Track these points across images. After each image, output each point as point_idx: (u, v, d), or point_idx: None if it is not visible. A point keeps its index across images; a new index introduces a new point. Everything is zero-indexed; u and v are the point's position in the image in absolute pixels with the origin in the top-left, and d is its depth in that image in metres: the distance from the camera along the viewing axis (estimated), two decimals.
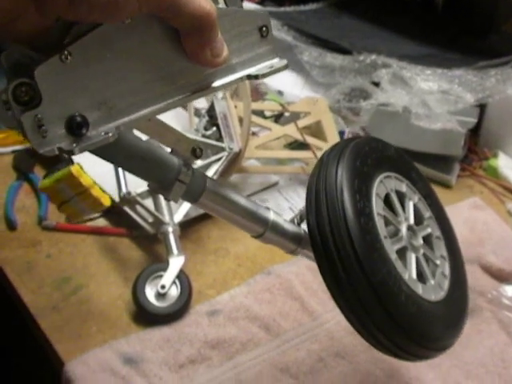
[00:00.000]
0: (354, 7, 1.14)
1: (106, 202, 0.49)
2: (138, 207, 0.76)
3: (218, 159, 0.80)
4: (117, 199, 0.76)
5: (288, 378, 0.64)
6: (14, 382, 0.94)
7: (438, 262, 0.54)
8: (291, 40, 1.07)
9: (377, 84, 0.94)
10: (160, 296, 0.69)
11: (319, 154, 0.87)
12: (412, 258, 0.50)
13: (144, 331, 0.68)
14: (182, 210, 0.77)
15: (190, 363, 0.65)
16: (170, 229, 0.74)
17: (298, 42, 1.06)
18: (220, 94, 0.87)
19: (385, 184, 0.51)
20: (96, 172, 0.80)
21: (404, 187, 0.54)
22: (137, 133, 0.42)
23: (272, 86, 1.05)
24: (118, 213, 0.81)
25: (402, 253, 0.49)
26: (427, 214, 0.55)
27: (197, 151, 0.44)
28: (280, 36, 1.08)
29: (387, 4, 1.13)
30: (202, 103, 0.92)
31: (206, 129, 0.85)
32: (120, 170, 0.77)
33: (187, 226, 0.79)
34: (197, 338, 0.67)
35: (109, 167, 0.77)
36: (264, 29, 0.41)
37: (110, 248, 0.80)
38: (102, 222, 0.83)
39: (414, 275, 0.49)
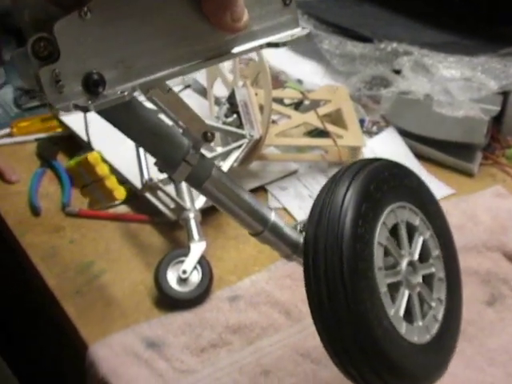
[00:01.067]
0: None
1: (119, 196, 0.49)
2: (160, 193, 0.77)
3: (239, 146, 0.80)
4: (139, 186, 0.77)
5: (309, 362, 0.65)
6: (38, 364, 0.95)
7: (433, 304, 0.51)
8: (311, 29, 1.07)
9: (398, 72, 0.93)
10: (181, 281, 0.70)
11: (339, 141, 0.87)
12: (404, 295, 0.48)
13: (166, 316, 0.69)
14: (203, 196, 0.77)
15: (211, 347, 0.66)
16: (192, 215, 0.75)
17: (319, 31, 1.06)
18: (240, 82, 0.87)
19: (396, 214, 0.49)
20: (118, 159, 0.82)
21: (417, 221, 0.51)
22: (151, 106, 0.42)
23: (292, 74, 1.05)
24: (139, 199, 0.82)
25: (395, 287, 0.48)
26: (436, 252, 0.53)
27: (208, 135, 0.43)
28: (300, 25, 1.08)
29: None
30: (222, 91, 0.93)
31: (226, 116, 0.85)
32: (142, 156, 0.78)
33: (208, 213, 0.79)
34: (218, 323, 0.68)
35: (131, 154, 0.78)
36: None
37: (131, 234, 0.81)
38: (123, 209, 0.84)
39: (401, 313, 0.47)
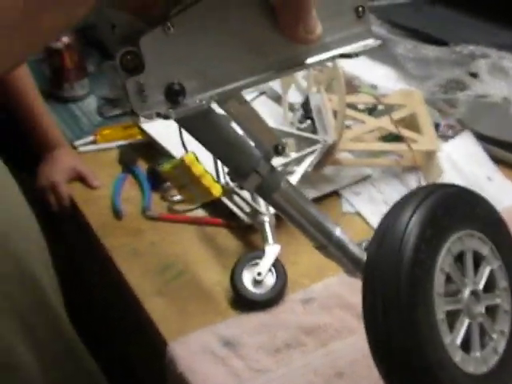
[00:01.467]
0: None
1: (217, 192, 0.52)
2: (236, 198, 0.79)
3: (312, 151, 0.82)
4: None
5: None
6: (119, 361, 0.99)
7: (494, 335, 0.49)
8: (385, 33, 1.07)
9: (475, 75, 0.92)
10: (257, 283, 0.72)
11: (413, 146, 0.87)
12: (463, 324, 0.47)
13: (241, 316, 0.71)
14: None
15: (286, 348, 0.67)
16: (267, 218, 0.76)
17: (392, 35, 1.06)
18: (315, 88, 0.88)
19: (463, 241, 0.48)
20: (207, 162, 0.85)
21: (486, 250, 0.50)
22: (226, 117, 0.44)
23: (366, 79, 1.05)
24: (216, 203, 0.84)
25: (454, 315, 0.47)
26: (504, 284, 0.51)
27: (279, 148, 0.45)
28: (374, 30, 1.08)
29: None
30: (296, 97, 0.94)
31: (300, 122, 0.87)
32: (219, 162, 0.80)
33: (282, 217, 0.81)
34: (292, 324, 0.69)
35: (208, 161, 0.81)
36: (360, 9, 0.41)
37: (208, 237, 0.83)
38: (200, 213, 0.87)
39: (458, 341, 0.46)
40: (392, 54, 1.04)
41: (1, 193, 0.83)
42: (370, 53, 1.16)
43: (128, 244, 0.84)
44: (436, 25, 1.04)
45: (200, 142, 0.43)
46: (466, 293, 0.48)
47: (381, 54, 1.08)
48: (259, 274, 0.72)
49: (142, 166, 0.97)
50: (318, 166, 0.85)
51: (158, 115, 0.37)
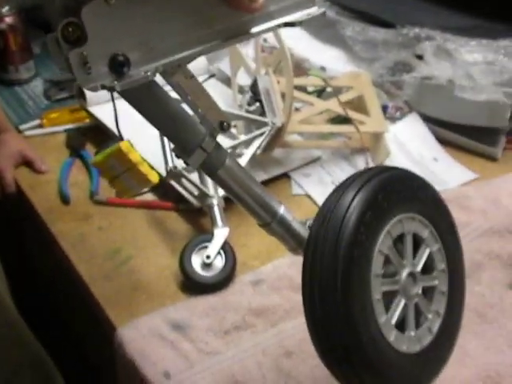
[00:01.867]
0: None
1: (154, 179, 0.51)
2: (184, 181, 0.78)
3: (261, 134, 0.82)
4: (164, 174, 0.79)
5: None
6: (69, 345, 0.98)
7: (429, 315, 0.51)
8: (334, 15, 1.07)
9: (420, 57, 0.93)
10: (206, 266, 0.72)
11: (361, 127, 0.88)
12: (399, 304, 0.48)
13: (190, 299, 0.71)
14: None
15: (235, 330, 0.67)
16: (215, 201, 0.76)
17: (341, 17, 1.06)
18: (263, 71, 0.88)
19: (404, 224, 0.49)
20: (144, 149, 0.84)
21: (426, 233, 0.51)
22: (174, 94, 0.43)
23: (315, 62, 1.05)
24: (165, 187, 0.84)
25: (391, 296, 0.48)
26: (441, 266, 0.53)
27: (224, 124, 0.45)
28: (316, 4, 1.08)
29: None
30: (246, 80, 0.94)
31: (249, 104, 0.86)
32: (166, 145, 0.79)
33: (231, 200, 0.80)
34: (241, 306, 0.69)
35: (156, 144, 0.80)
36: None
37: (157, 221, 0.83)
38: (149, 197, 0.86)
39: (393, 321, 0.48)
40: (341, 36, 1.04)
41: None
42: (319, 35, 1.15)
43: (76, 229, 0.82)
44: (383, 7, 1.05)
45: (144, 116, 0.43)
46: (404, 274, 0.49)
47: (330, 35, 1.08)
48: (208, 257, 0.72)
49: (90, 150, 0.95)
50: (268, 148, 0.85)
51: (103, 87, 0.37)
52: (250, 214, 0.50)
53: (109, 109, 0.96)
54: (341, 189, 0.47)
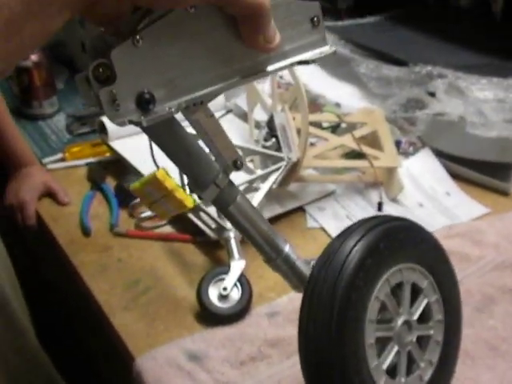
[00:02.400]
0: (410, 19, 1.16)
1: (190, 204, 0.53)
2: (202, 214, 0.81)
3: (277, 168, 0.84)
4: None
5: None
6: (89, 373, 1.00)
7: (422, 364, 0.52)
8: (348, 53, 1.10)
9: (432, 94, 0.95)
10: (222, 298, 0.73)
11: (375, 162, 0.90)
12: (392, 350, 0.50)
13: (207, 330, 0.73)
14: None
15: (251, 360, 0.69)
16: (232, 234, 0.78)
17: (355, 55, 1.09)
18: (279, 107, 0.91)
19: (403, 273, 0.51)
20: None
21: (425, 284, 0.53)
22: (191, 130, 0.46)
23: (330, 98, 1.08)
24: (183, 220, 0.86)
25: (384, 341, 0.50)
26: (438, 317, 0.54)
27: (238, 163, 0.47)
28: (337, 49, 1.11)
29: (444, 15, 1.14)
30: (262, 116, 0.97)
31: (265, 140, 0.89)
32: (185, 180, 0.82)
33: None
34: (257, 338, 0.71)
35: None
36: (315, 19, 0.44)
37: (175, 253, 0.85)
38: (168, 229, 0.89)
39: (384, 367, 0.49)
40: (355, 73, 1.07)
41: None
42: (334, 72, 1.18)
43: (96, 260, 0.85)
44: (397, 45, 1.08)
45: (163, 150, 0.46)
46: (399, 322, 0.50)
47: (345, 73, 1.11)
48: (225, 288, 0.73)
49: (111, 183, 0.98)
50: (283, 182, 0.87)
51: (131, 122, 0.40)
52: (257, 250, 0.52)
53: (129, 143, 1.00)
54: (345, 234, 0.49)
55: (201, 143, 0.48)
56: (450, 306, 0.55)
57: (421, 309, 0.52)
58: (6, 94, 1.10)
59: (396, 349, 0.50)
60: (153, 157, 0.54)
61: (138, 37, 0.38)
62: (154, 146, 0.51)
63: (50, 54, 1.20)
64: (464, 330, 0.71)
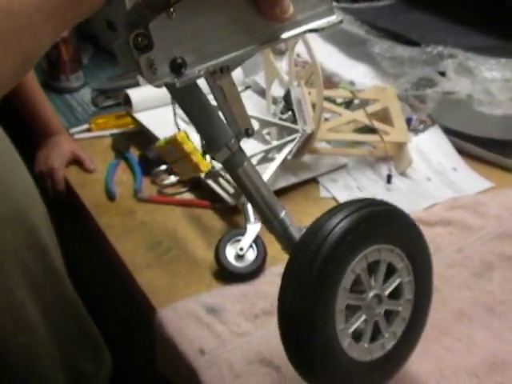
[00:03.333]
0: (423, 2, 1.20)
1: (204, 167, 0.58)
2: (221, 180, 0.86)
3: (292, 140, 0.89)
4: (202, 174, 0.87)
5: None
6: (114, 325, 1.06)
7: (386, 334, 0.57)
8: (363, 34, 1.14)
9: (443, 73, 1.00)
10: (239, 257, 0.79)
11: (386, 137, 0.94)
12: (360, 318, 0.55)
13: (224, 287, 0.78)
14: None
15: (264, 314, 0.74)
16: None
17: (370, 36, 1.14)
18: (295, 83, 0.95)
19: (381, 253, 0.55)
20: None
21: (401, 265, 0.57)
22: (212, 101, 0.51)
23: (345, 76, 1.13)
24: (202, 187, 0.91)
25: (355, 310, 0.55)
26: (408, 296, 0.58)
27: (249, 131, 0.53)
28: (353, 30, 1.16)
29: None
30: (279, 91, 1.01)
31: (282, 113, 0.94)
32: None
33: None
34: (270, 294, 0.76)
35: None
36: None
37: (195, 218, 0.90)
38: (188, 196, 0.94)
39: (350, 331, 0.54)
40: (370, 53, 1.11)
41: (18, 175, 0.92)
42: (349, 51, 1.22)
43: (120, 223, 0.90)
44: (410, 27, 1.12)
45: (186, 113, 0.52)
46: (370, 294, 0.55)
47: (359, 52, 1.15)
48: (241, 249, 0.79)
49: (134, 153, 1.03)
50: (298, 154, 0.92)
51: (166, 84, 0.45)
52: (257, 211, 0.57)
53: (152, 115, 1.05)
54: (333, 211, 0.54)
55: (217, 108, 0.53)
56: (421, 288, 0.60)
57: (393, 286, 0.57)
58: (36, 69, 1.16)
59: (364, 317, 0.55)
60: (175, 121, 0.60)
61: (171, 10, 0.43)
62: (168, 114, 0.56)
63: (77, 30, 1.26)
64: (463, 293, 0.76)
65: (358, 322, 0.55)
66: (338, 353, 0.54)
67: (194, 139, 0.58)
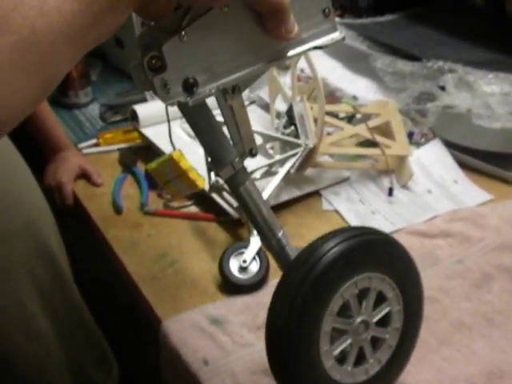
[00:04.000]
0: (425, 18, 1.22)
1: (201, 184, 0.60)
2: (225, 194, 0.88)
3: (295, 154, 0.91)
4: (206, 188, 0.89)
5: None
6: (120, 335, 1.08)
7: (370, 360, 0.58)
8: (366, 49, 1.16)
9: (443, 88, 1.01)
10: (242, 269, 0.81)
11: (387, 151, 0.96)
12: (345, 341, 0.56)
13: (228, 298, 0.80)
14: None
15: None
16: None
17: (372, 51, 1.15)
18: (298, 98, 0.97)
19: (372, 281, 0.56)
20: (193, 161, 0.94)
21: (391, 294, 0.58)
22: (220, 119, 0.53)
23: (348, 91, 1.14)
24: (207, 200, 0.93)
25: (341, 333, 0.56)
26: (396, 325, 0.59)
27: (253, 151, 0.55)
28: (355, 45, 1.18)
29: (458, 13, 1.20)
30: (282, 106, 1.03)
31: (285, 127, 0.96)
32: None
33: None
34: None
35: (200, 161, 0.90)
36: (326, 10, 0.51)
37: (200, 230, 0.92)
38: (193, 209, 0.96)
39: (335, 353, 0.55)
40: (372, 68, 1.13)
41: (29, 188, 0.94)
42: (352, 67, 1.25)
43: (127, 236, 0.92)
44: (411, 42, 1.14)
45: (194, 129, 0.54)
46: (358, 320, 0.57)
47: (362, 67, 1.17)
48: (244, 261, 0.80)
49: (141, 167, 1.06)
50: (301, 167, 0.94)
51: (179, 103, 0.47)
52: (256, 229, 0.59)
53: (158, 130, 1.08)
54: (328, 236, 0.55)
55: (223, 128, 0.55)
56: (410, 317, 0.61)
57: (381, 314, 0.58)
58: None
59: (349, 341, 0.57)
60: (170, 139, 0.61)
61: (183, 33, 0.46)
62: (172, 129, 0.58)
63: None
64: (462, 304, 0.78)
65: (343, 345, 0.56)
66: (320, 373, 0.55)
67: (189, 158, 0.60)
